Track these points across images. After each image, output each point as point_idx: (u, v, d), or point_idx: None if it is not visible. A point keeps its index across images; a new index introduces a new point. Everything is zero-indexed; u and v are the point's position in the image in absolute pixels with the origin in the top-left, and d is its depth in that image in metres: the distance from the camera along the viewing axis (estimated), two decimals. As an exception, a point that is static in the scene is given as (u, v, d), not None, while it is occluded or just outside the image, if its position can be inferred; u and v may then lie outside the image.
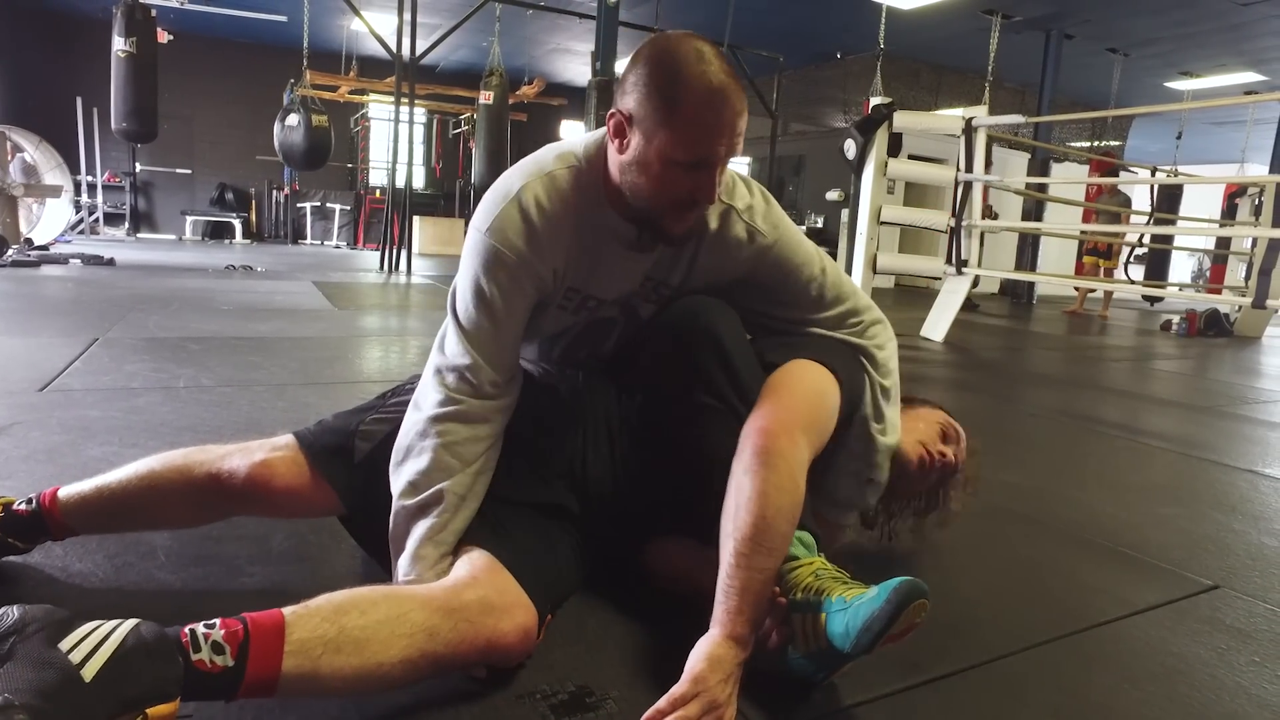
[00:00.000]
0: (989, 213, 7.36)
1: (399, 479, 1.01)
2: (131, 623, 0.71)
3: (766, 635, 0.91)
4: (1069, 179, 7.87)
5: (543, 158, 1.05)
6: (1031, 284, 9.51)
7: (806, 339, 1.17)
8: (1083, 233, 7.42)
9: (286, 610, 0.76)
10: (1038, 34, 9.22)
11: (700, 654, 0.84)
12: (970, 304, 7.73)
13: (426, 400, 1.03)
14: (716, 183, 0.98)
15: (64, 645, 0.67)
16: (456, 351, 1.03)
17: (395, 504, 1.00)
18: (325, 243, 12.31)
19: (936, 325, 5.01)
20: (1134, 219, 7.71)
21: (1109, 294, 8.11)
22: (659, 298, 1.16)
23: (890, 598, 0.80)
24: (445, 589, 0.87)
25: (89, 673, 0.65)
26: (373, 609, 0.80)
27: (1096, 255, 7.74)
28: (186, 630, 0.72)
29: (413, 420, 1.03)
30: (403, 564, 0.97)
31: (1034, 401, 3.21)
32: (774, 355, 1.12)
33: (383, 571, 1.06)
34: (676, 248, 1.11)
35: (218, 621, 0.74)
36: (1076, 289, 8.35)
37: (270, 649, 0.73)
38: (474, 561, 0.93)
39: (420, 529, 0.97)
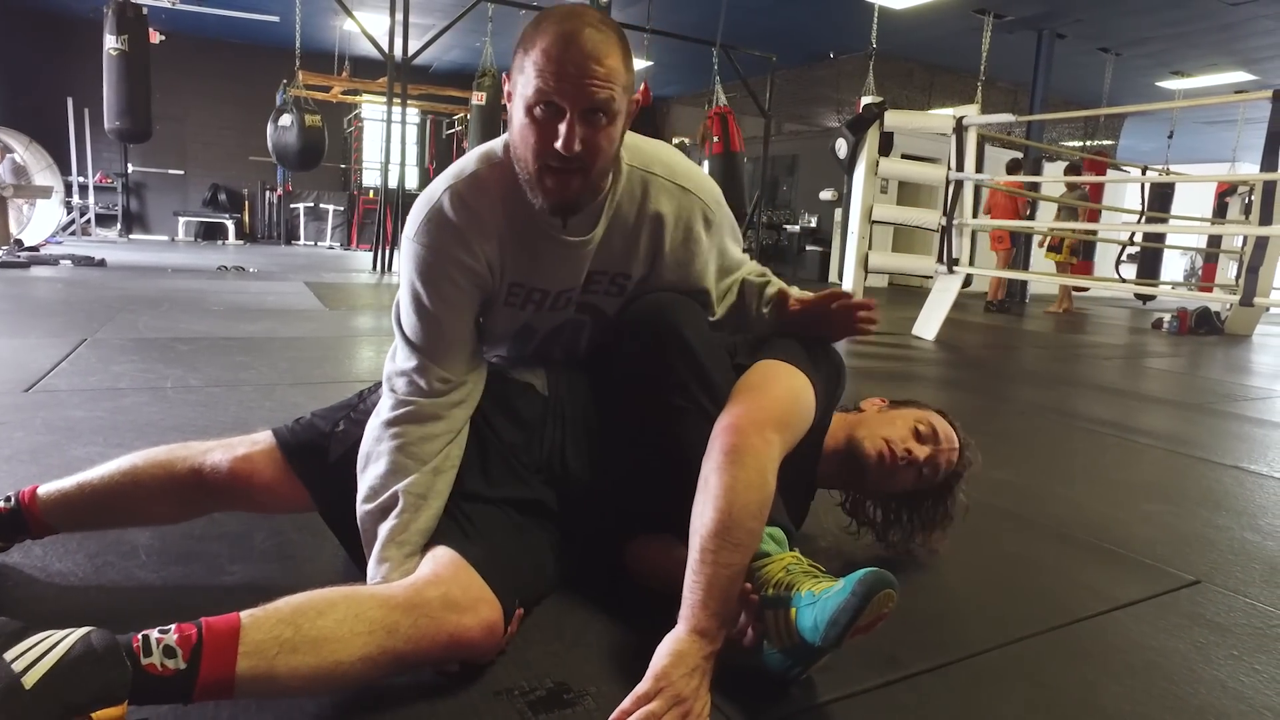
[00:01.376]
0: (1026, 208, 7.41)
1: (361, 485, 1.03)
2: (82, 631, 0.71)
3: (742, 631, 0.91)
4: (1059, 179, 7.89)
5: (464, 161, 1.06)
6: (1024, 283, 9.54)
7: (774, 340, 1.18)
8: (1052, 229, 7.44)
9: (244, 613, 0.77)
10: (1030, 33, 9.25)
11: (664, 650, 0.85)
12: (1002, 307, 7.70)
13: (382, 407, 1.05)
14: (576, 132, 0.91)
15: (9, 655, 0.68)
16: (403, 357, 1.06)
17: (358, 509, 1.02)
18: (318, 243, 12.28)
19: (928, 324, 5.02)
20: (1125, 218, 7.73)
21: (1066, 289, 8.21)
22: (619, 291, 1.15)
23: (856, 589, 0.80)
24: (406, 586, 0.87)
25: (30, 680, 0.66)
26: (331, 609, 0.80)
27: (1054, 251, 7.77)
28: (139, 636, 0.73)
29: (371, 427, 1.05)
30: (370, 568, 0.98)
31: (1024, 399, 3.22)
32: (743, 357, 1.13)
33: (361, 570, 1.06)
34: (625, 235, 1.10)
35: (173, 626, 0.74)
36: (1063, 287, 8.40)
37: (224, 651, 0.73)
38: (438, 559, 0.93)
39: (383, 531, 0.98)
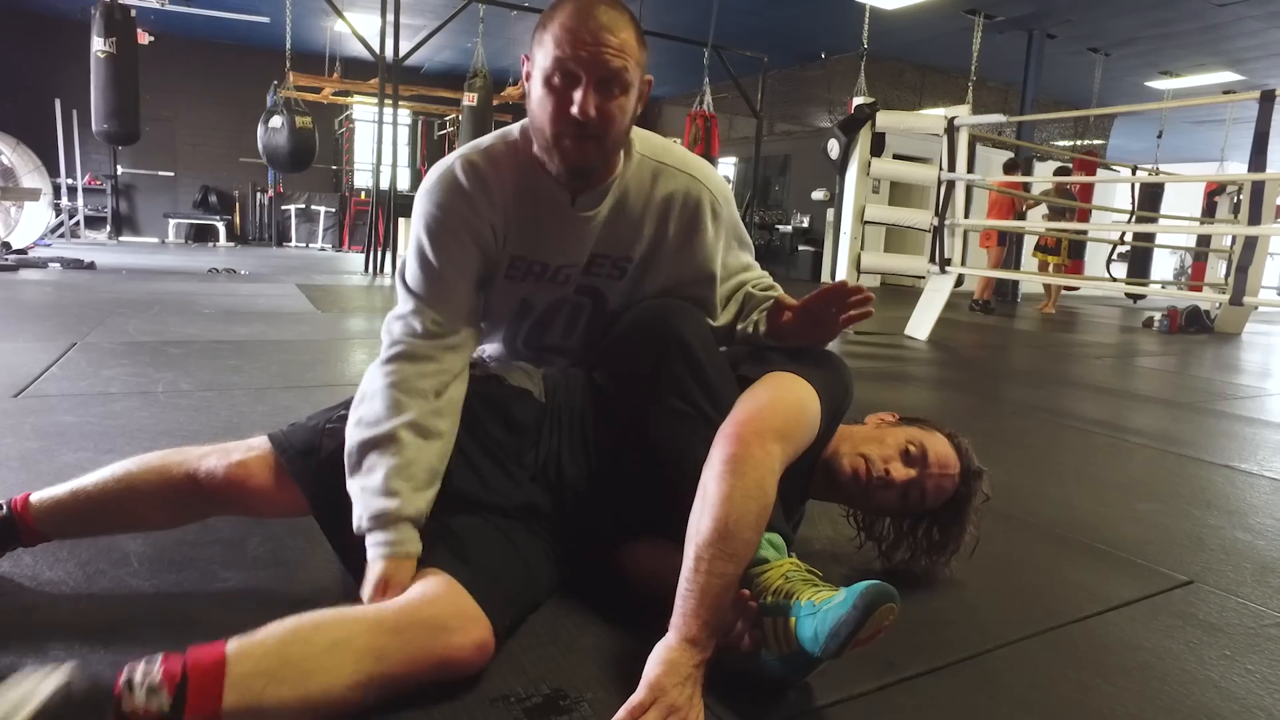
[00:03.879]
0: (1024, 205, 7.43)
1: (353, 415, 1.05)
2: (64, 674, 0.70)
3: (739, 638, 0.91)
4: (1051, 177, 7.92)
5: (480, 138, 1.15)
6: (1015, 283, 9.58)
7: (781, 352, 1.18)
8: (1047, 230, 7.44)
9: (231, 643, 0.76)
10: (1020, 34, 9.29)
11: (656, 659, 0.85)
12: (986, 307, 7.68)
13: (379, 354, 1.10)
14: (591, 99, 0.98)
15: None
16: (401, 301, 1.12)
17: (348, 430, 1.04)
18: (310, 245, 12.22)
19: (920, 324, 5.03)
20: (1115, 218, 7.76)
21: (1055, 289, 8.23)
22: (620, 274, 1.18)
23: (857, 603, 0.79)
24: (397, 609, 0.86)
25: None
26: (318, 636, 0.79)
27: (1045, 252, 7.80)
28: (123, 675, 0.72)
29: (368, 371, 1.10)
30: (366, 501, 0.99)
31: (1016, 399, 3.23)
32: (748, 369, 1.12)
33: (355, 578, 1.06)
34: (632, 219, 1.15)
35: (159, 660, 0.73)
36: (1046, 287, 8.44)
37: (209, 687, 0.72)
38: (426, 581, 0.92)
39: (384, 466, 0.99)
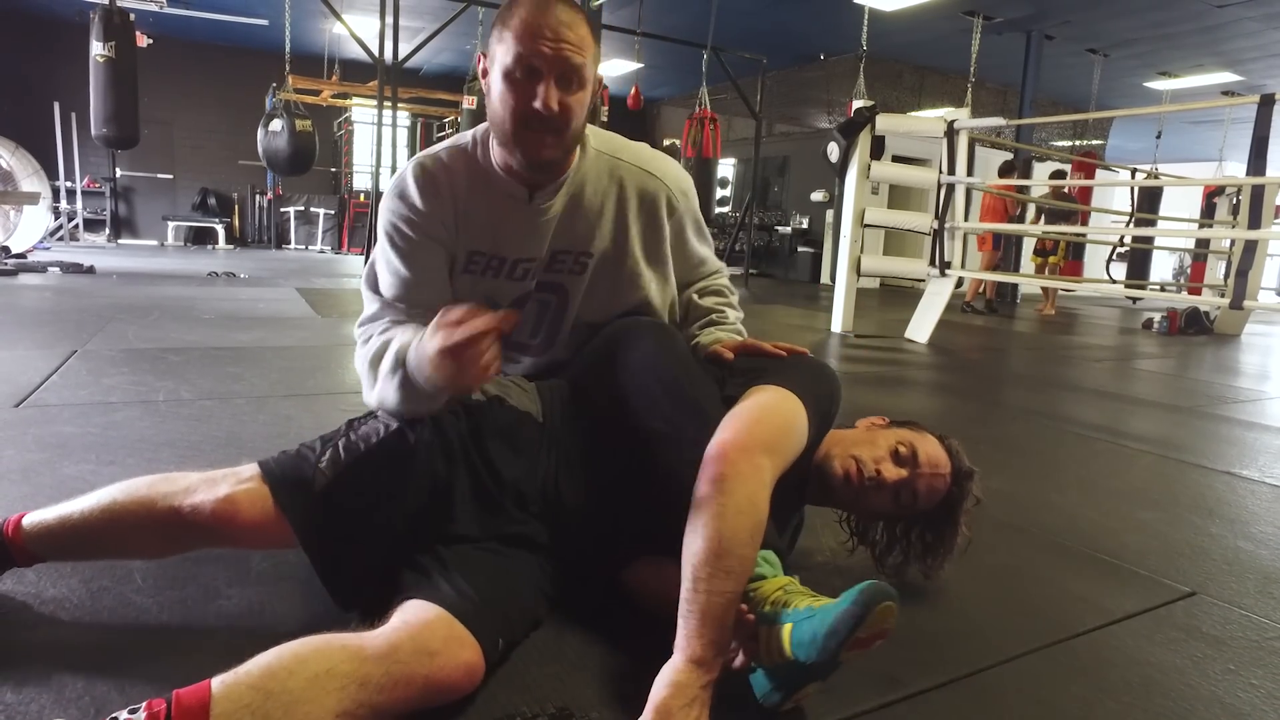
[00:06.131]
0: (1017, 208, 7.43)
1: (371, 389, 1.13)
2: None
3: (734, 653, 0.90)
4: (1047, 181, 7.91)
5: (435, 146, 1.22)
6: (1015, 285, 9.58)
7: (768, 365, 1.19)
8: (1044, 233, 7.43)
9: (216, 680, 0.75)
10: (1018, 35, 9.30)
11: (662, 681, 0.84)
12: (986, 308, 7.67)
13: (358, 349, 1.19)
14: (554, 93, 1.04)
15: None
16: (367, 305, 1.20)
17: (359, 363, 1.15)
18: (309, 247, 12.22)
19: (920, 327, 5.03)
20: (1111, 219, 7.76)
21: (1053, 291, 8.25)
22: (581, 269, 1.23)
23: (858, 599, 0.79)
24: (380, 636, 0.85)
25: None
26: (301, 667, 0.78)
27: (1043, 255, 7.81)
28: None
29: (356, 361, 1.18)
30: (381, 382, 1.07)
31: (1015, 403, 3.23)
32: (734, 389, 1.12)
33: (337, 602, 1.06)
34: (589, 214, 1.21)
35: (143, 706, 0.72)
36: (1044, 289, 8.45)
37: None
38: (412, 610, 0.91)
39: (393, 348, 1.07)
